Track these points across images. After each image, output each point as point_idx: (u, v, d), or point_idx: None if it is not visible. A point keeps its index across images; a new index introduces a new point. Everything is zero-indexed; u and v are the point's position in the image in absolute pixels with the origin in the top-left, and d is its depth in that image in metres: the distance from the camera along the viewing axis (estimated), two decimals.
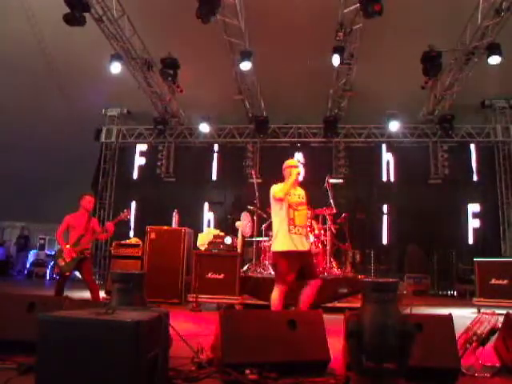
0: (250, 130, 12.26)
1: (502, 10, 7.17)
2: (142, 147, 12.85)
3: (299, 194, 4.62)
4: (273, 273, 7.21)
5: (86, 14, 7.37)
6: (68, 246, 5.49)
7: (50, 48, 8.91)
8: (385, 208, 11.75)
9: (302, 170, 4.71)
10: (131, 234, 11.07)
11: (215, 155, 12.60)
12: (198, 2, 6.99)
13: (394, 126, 11.24)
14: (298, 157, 12.20)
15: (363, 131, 12.18)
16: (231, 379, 2.60)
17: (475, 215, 11.63)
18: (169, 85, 9.98)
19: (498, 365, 3.02)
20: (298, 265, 4.30)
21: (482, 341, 3.01)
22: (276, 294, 4.30)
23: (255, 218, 7.75)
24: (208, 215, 12.25)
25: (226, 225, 10.49)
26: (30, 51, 8.84)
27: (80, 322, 2.17)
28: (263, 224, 7.72)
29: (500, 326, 3.11)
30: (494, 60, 7.96)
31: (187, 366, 2.83)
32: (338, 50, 8.28)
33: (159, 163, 12.56)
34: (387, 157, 12.10)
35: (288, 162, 4.74)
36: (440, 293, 10.59)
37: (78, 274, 5.78)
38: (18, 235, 14.03)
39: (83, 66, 9.40)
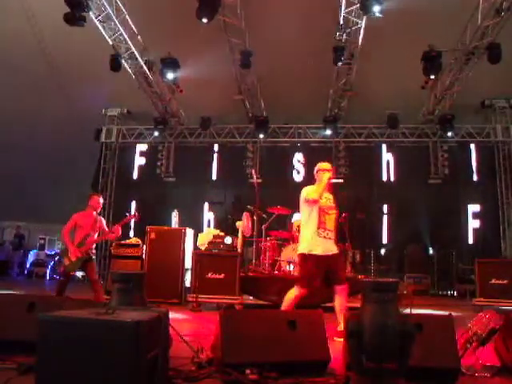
0: (250, 129, 12.27)
1: (502, 9, 7.18)
2: (141, 147, 12.86)
3: (329, 197, 4.57)
4: (276, 272, 7.25)
5: (86, 14, 7.38)
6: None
7: (50, 48, 8.92)
8: (385, 208, 11.75)
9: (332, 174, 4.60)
10: (131, 234, 11.07)
11: (215, 155, 12.61)
12: (198, 2, 7.00)
13: (393, 126, 11.26)
14: (298, 157, 12.22)
15: (363, 131, 12.18)
16: (231, 379, 2.60)
17: (475, 215, 11.64)
18: (169, 85, 9.98)
19: (498, 365, 3.02)
20: (324, 269, 4.22)
21: (482, 341, 3.01)
22: (292, 296, 4.22)
23: (255, 217, 7.74)
24: (208, 215, 12.26)
25: (226, 225, 10.48)
26: (30, 51, 8.85)
27: (80, 322, 2.17)
28: (263, 224, 7.72)
29: (500, 326, 3.10)
30: (493, 58, 7.96)
31: (187, 366, 2.83)
32: (338, 50, 8.28)
33: (159, 163, 12.56)
34: (387, 157, 12.11)
35: (320, 166, 4.68)
36: (440, 293, 10.58)
37: (78, 274, 5.78)
38: (14, 234, 13.98)
39: (83, 66, 9.40)
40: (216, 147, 12.64)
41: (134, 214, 6.19)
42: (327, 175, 4.49)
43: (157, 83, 10.22)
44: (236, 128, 12.47)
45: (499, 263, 7.29)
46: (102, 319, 2.16)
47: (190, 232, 7.78)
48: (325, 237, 4.33)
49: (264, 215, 7.87)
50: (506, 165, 11.65)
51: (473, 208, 11.67)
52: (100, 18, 7.92)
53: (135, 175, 12.75)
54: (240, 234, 7.87)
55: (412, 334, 2.38)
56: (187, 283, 7.37)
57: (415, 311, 4.10)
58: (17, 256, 13.58)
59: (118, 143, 12.83)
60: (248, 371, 2.65)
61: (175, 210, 8.39)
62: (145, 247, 7.48)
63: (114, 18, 8.06)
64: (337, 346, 3.09)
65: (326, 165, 4.69)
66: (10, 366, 2.71)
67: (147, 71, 9.70)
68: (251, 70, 9.29)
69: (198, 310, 6.46)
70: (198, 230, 9.28)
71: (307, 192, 4.45)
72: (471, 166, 11.87)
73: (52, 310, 2.42)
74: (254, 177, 8.17)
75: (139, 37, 8.95)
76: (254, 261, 7.73)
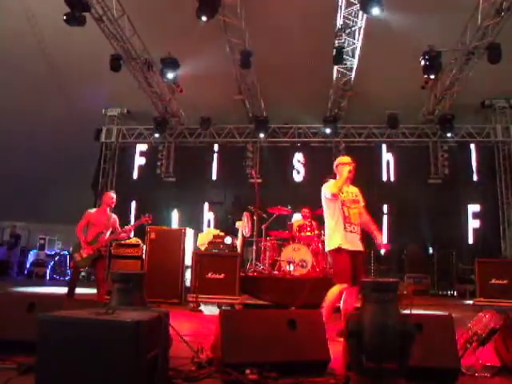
0: (250, 129, 12.27)
1: (502, 9, 7.18)
2: (142, 147, 12.87)
3: (353, 191, 4.46)
4: (273, 273, 7.25)
5: (86, 14, 7.38)
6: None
7: (50, 48, 8.92)
8: (385, 208, 11.74)
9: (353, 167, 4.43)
10: (131, 234, 11.05)
11: (215, 155, 12.61)
12: (198, 2, 7.00)
13: (393, 126, 11.26)
14: (298, 157, 12.22)
15: (363, 131, 12.19)
16: (231, 379, 2.60)
17: (475, 215, 11.64)
18: (169, 85, 9.98)
19: (498, 365, 3.02)
20: (353, 263, 4.13)
21: (482, 341, 3.01)
22: (336, 292, 4.08)
23: (255, 217, 7.74)
24: (208, 215, 12.25)
25: (226, 225, 10.48)
26: (31, 51, 8.85)
27: (80, 322, 2.17)
28: (263, 224, 7.72)
29: (500, 326, 3.10)
30: (493, 58, 7.96)
31: (187, 366, 2.83)
32: (338, 50, 8.29)
33: (159, 163, 12.56)
34: (387, 157, 12.11)
35: (340, 160, 4.56)
36: (440, 293, 10.57)
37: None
38: (10, 234, 13.94)
39: (83, 66, 9.40)
40: (216, 147, 12.64)
41: (149, 216, 6.13)
42: (347, 168, 4.38)
43: (157, 83, 10.22)
44: (236, 128, 12.47)
45: (499, 263, 7.29)
46: (102, 319, 2.16)
47: (190, 232, 7.78)
48: (351, 231, 4.26)
49: (264, 215, 7.87)
50: (506, 165, 11.66)
51: (473, 208, 11.67)
52: (100, 18, 7.92)
53: (135, 175, 12.75)
54: (240, 234, 7.88)
55: (412, 334, 2.38)
56: (187, 283, 7.37)
57: (415, 311, 4.10)
58: (13, 256, 13.56)
59: (117, 143, 12.83)
60: (248, 371, 2.65)
61: (175, 210, 8.38)
62: (145, 247, 7.48)
63: (113, 18, 8.06)
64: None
65: (345, 158, 4.58)
66: (9, 366, 2.71)
67: (147, 71, 9.70)
68: (251, 70, 9.28)
69: (197, 310, 6.46)
70: (198, 230, 9.29)
71: (327, 187, 4.35)
72: (471, 165, 11.87)
73: (52, 310, 2.42)
74: (254, 177, 8.18)
75: (139, 37, 8.94)
76: (254, 261, 7.73)
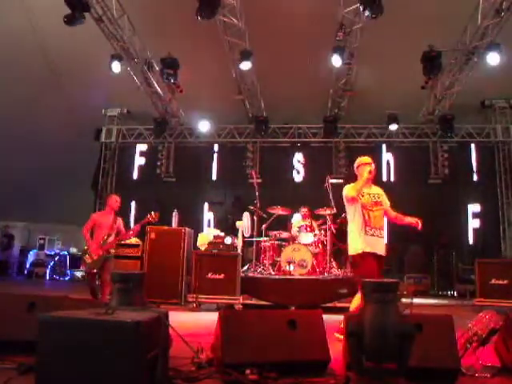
0: (250, 129, 12.26)
1: (502, 10, 7.18)
2: (142, 147, 12.85)
3: (374, 193, 4.31)
4: (273, 273, 7.25)
5: (86, 14, 7.37)
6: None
7: (51, 48, 8.91)
8: None
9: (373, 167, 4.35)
10: (130, 232, 11.05)
11: (215, 155, 12.60)
12: (198, 2, 7.00)
13: (393, 126, 11.26)
14: (298, 157, 12.22)
15: (363, 131, 12.18)
16: (231, 379, 2.60)
17: (475, 215, 11.63)
18: (169, 85, 9.98)
19: (498, 365, 3.02)
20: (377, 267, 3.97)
21: (483, 341, 3.01)
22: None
23: (255, 217, 7.75)
24: (208, 215, 12.25)
25: (226, 225, 10.49)
26: (31, 52, 8.84)
27: (80, 322, 2.17)
28: (263, 224, 7.72)
29: (500, 326, 3.10)
30: (493, 58, 7.96)
31: (187, 366, 2.83)
32: (338, 50, 8.28)
33: (159, 163, 12.54)
34: (387, 157, 12.11)
35: (360, 160, 4.43)
36: (440, 293, 10.57)
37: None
38: (3, 234, 13.93)
39: (83, 65, 9.40)
40: (216, 147, 12.63)
41: (156, 214, 6.17)
42: (368, 169, 4.26)
43: (157, 83, 10.22)
44: (236, 128, 12.46)
45: (499, 263, 7.29)
46: (101, 319, 2.16)
47: (190, 232, 7.78)
48: (372, 235, 4.11)
49: (264, 215, 7.87)
50: (506, 165, 11.65)
51: (473, 208, 11.66)
52: (100, 18, 7.91)
53: (135, 175, 12.74)
54: (240, 234, 7.88)
55: (412, 334, 2.38)
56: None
57: (415, 311, 4.10)
58: (9, 255, 13.55)
59: (117, 143, 12.82)
60: (248, 371, 2.65)
61: (175, 210, 8.39)
62: (145, 247, 7.48)
63: (113, 18, 8.05)
64: (337, 346, 3.09)
65: (366, 158, 4.44)
66: (9, 366, 2.71)
67: (147, 71, 9.70)
68: (251, 70, 9.28)
69: (197, 310, 6.46)
70: (198, 230, 9.28)
71: (347, 190, 4.22)
72: (471, 166, 11.87)
73: (52, 310, 2.42)
74: (254, 177, 8.18)
75: (139, 37, 8.94)
76: (254, 261, 7.73)
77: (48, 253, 13.45)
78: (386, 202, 4.39)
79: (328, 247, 7.36)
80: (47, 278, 12.88)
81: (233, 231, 8.29)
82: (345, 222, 7.79)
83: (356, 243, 4.13)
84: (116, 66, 8.84)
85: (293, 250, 7.18)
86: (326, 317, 3.21)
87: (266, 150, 12.40)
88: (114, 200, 5.93)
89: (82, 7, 7.15)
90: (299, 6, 8.00)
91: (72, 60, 9.21)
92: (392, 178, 11.94)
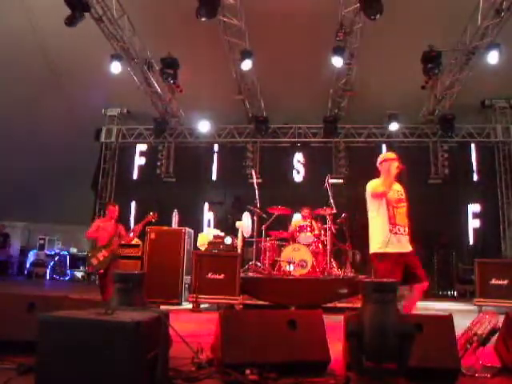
0: (250, 129, 12.26)
1: (502, 9, 7.18)
2: (142, 147, 12.86)
3: (398, 190, 4.20)
4: (276, 272, 7.24)
5: (86, 14, 7.37)
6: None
7: (51, 48, 8.91)
8: None
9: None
10: (131, 234, 11.05)
11: (215, 155, 12.60)
12: (198, 2, 7.00)
13: (394, 126, 11.26)
14: (298, 157, 12.22)
15: (363, 131, 12.18)
16: (231, 379, 2.59)
17: (475, 215, 11.63)
18: (169, 85, 9.98)
19: (498, 365, 3.02)
20: (401, 268, 3.76)
21: (483, 341, 3.00)
22: None
23: (255, 218, 7.74)
24: (208, 215, 12.25)
25: (226, 225, 10.48)
26: (31, 52, 8.85)
27: (80, 322, 2.17)
28: (263, 224, 7.72)
29: (500, 326, 3.10)
30: (493, 58, 7.97)
31: (187, 366, 2.83)
32: (338, 50, 8.28)
33: (159, 163, 12.54)
34: None
35: (386, 155, 4.32)
36: (440, 293, 10.56)
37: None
38: None
39: (83, 65, 9.40)
40: (216, 147, 12.63)
41: (155, 214, 6.44)
42: (395, 164, 4.15)
43: (157, 83, 10.22)
44: (236, 128, 12.46)
45: (499, 263, 7.28)
46: (101, 319, 2.16)
47: (190, 232, 7.78)
48: (396, 232, 3.94)
49: (264, 215, 7.87)
50: (506, 165, 11.66)
51: (473, 208, 11.65)
52: (100, 18, 7.91)
53: (135, 175, 12.74)
54: (240, 234, 7.88)
55: (412, 334, 2.38)
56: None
57: (415, 311, 4.09)
58: (4, 254, 13.53)
59: (117, 143, 12.83)
60: (248, 371, 2.65)
61: (175, 210, 8.39)
62: (145, 247, 7.49)
63: (113, 18, 8.05)
64: (337, 346, 3.09)
65: (391, 154, 4.32)
66: (9, 366, 2.71)
67: (147, 71, 9.70)
68: (251, 70, 9.28)
69: (197, 311, 6.46)
70: (198, 230, 9.28)
71: (374, 185, 4.08)
72: (471, 165, 11.86)
73: (52, 310, 2.42)
74: (254, 177, 8.17)
75: (139, 37, 8.94)
76: (254, 261, 7.73)
77: (48, 253, 13.46)
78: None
79: (328, 247, 7.35)
80: (47, 277, 12.89)
81: (233, 231, 8.29)
82: (345, 222, 7.86)
83: (378, 241, 3.94)
84: (116, 66, 8.84)
85: (293, 250, 7.17)
86: (326, 317, 3.21)
87: (266, 150, 12.40)
88: (112, 210, 6.24)
89: (82, 7, 7.16)
90: (299, 6, 8.01)
91: (72, 60, 9.21)
92: None
